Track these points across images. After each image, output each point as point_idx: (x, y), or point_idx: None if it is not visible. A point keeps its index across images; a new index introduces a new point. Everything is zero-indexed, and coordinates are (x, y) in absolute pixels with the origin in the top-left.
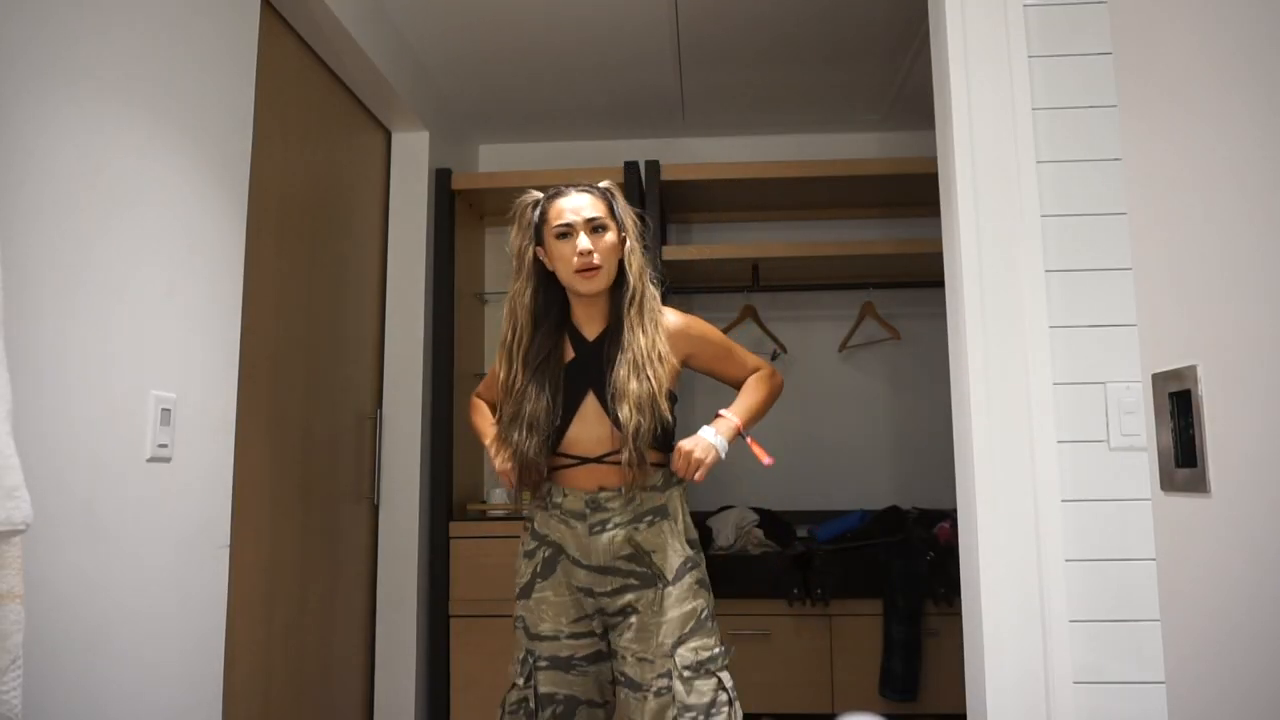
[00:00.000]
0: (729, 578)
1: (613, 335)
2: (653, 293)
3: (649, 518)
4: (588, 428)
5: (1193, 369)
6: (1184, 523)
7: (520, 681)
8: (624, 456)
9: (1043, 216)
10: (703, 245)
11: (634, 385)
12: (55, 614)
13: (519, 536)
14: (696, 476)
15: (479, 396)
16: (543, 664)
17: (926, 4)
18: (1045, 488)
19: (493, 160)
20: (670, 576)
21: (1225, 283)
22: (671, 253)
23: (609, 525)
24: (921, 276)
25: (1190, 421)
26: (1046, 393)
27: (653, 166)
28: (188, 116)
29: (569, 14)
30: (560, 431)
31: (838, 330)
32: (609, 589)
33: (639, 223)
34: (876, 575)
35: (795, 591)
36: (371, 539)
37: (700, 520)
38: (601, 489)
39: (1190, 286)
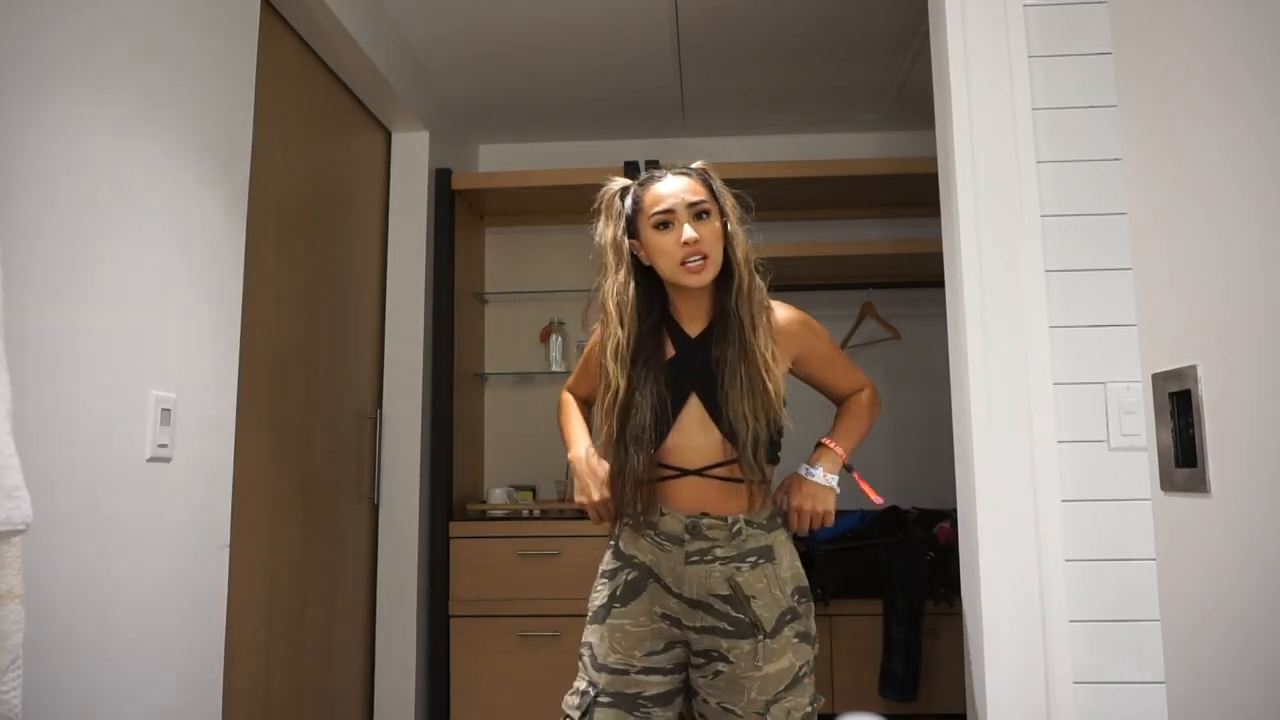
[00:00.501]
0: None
1: (719, 331)
2: (760, 283)
3: (752, 559)
4: (690, 435)
5: (1193, 369)
6: (1184, 523)
7: (575, 715)
8: (743, 472)
9: (1043, 216)
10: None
11: (750, 389)
12: (55, 614)
13: (519, 537)
14: (826, 522)
15: (570, 391)
16: (605, 699)
17: (926, 4)
18: (1045, 488)
19: (493, 160)
20: (769, 628)
21: (1225, 283)
22: None
23: (708, 558)
24: (921, 276)
25: (1190, 421)
26: (1046, 393)
27: (653, 166)
28: (188, 117)
29: (569, 14)
30: (660, 439)
31: (838, 330)
32: (697, 625)
33: (738, 205)
34: (876, 575)
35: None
36: (371, 539)
37: None
38: (704, 514)
39: (1190, 286)
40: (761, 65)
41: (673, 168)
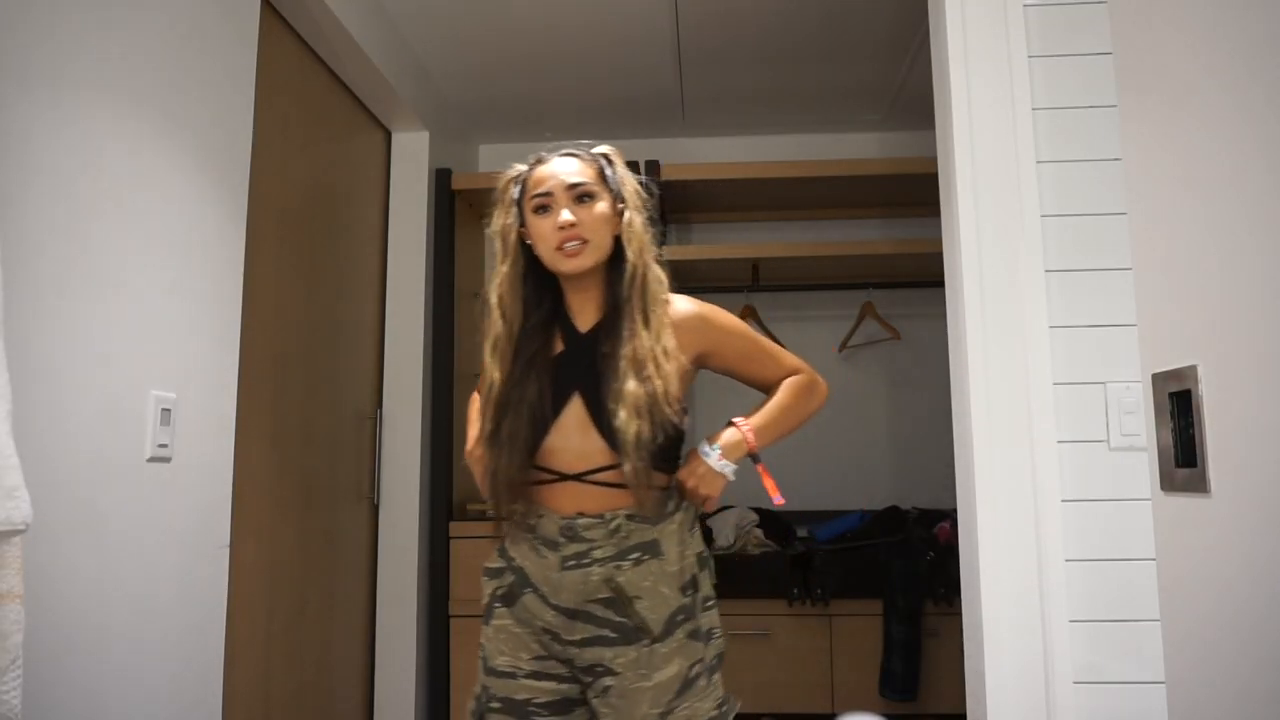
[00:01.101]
0: (729, 578)
1: (609, 326)
2: (657, 274)
3: (635, 554)
4: (569, 438)
5: (1193, 369)
6: (1184, 523)
7: None
8: (626, 472)
9: (1043, 216)
10: (703, 245)
11: (632, 386)
12: (55, 614)
13: None
14: (706, 507)
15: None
16: (495, 705)
17: (926, 4)
18: (1045, 488)
19: (493, 160)
20: (657, 631)
21: (1225, 283)
22: (671, 253)
23: (585, 560)
24: (921, 276)
25: (1190, 421)
26: (1046, 393)
27: (653, 166)
28: (188, 116)
29: (569, 14)
30: (536, 442)
31: (838, 330)
32: (578, 638)
33: (642, 192)
34: (876, 575)
35: (795, 591)
36: (371, 539)
37: (700, 520)
38: (580, 514)
39: (1190, 286)
40: (761, 66)
41: (563, 148)
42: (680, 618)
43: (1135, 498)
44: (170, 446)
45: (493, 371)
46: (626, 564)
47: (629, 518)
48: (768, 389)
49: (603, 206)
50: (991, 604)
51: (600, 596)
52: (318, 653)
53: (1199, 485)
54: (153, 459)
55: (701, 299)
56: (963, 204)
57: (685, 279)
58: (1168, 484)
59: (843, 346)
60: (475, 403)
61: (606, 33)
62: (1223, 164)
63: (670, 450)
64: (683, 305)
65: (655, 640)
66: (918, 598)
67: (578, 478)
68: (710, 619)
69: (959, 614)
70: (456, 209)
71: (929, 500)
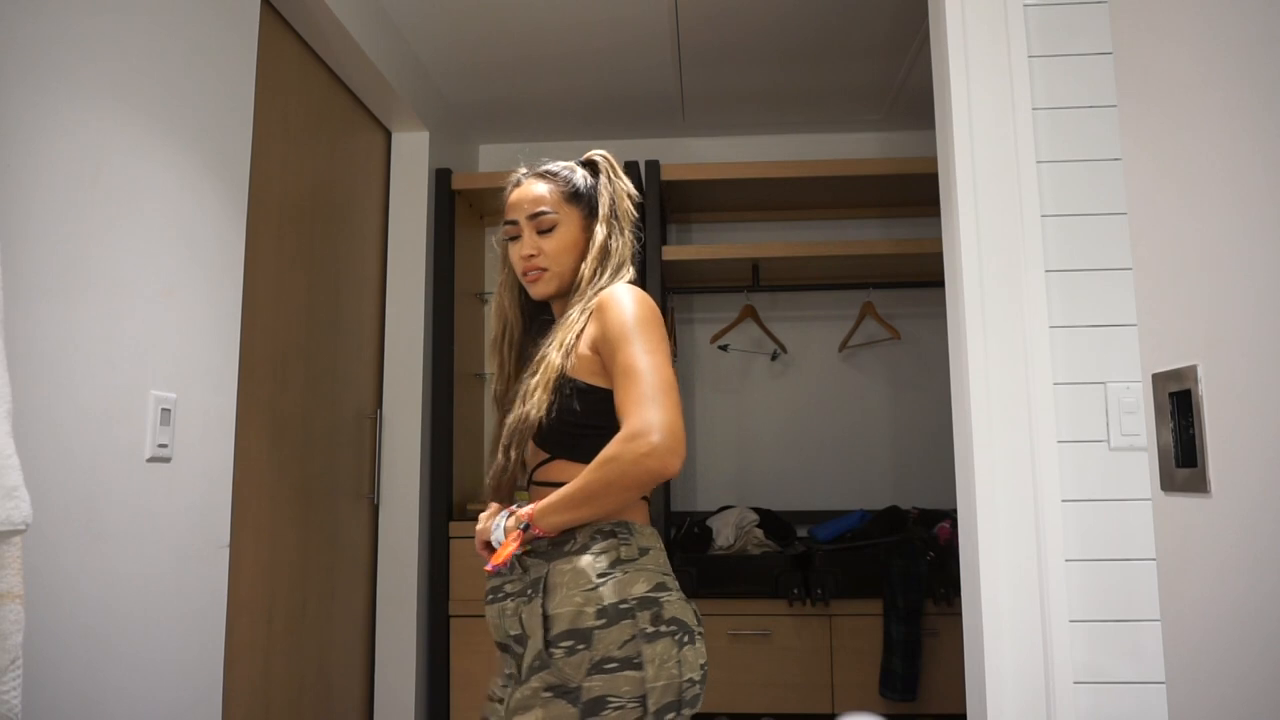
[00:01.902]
0: (729, 578)
1: None
2: (606, 279)
3: (528, 591)
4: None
5: (1193, 369)
6: (1184, 523)
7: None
8: (497, 460)
9: (1043, 216)
10: (703, 245)
11: (531, 380)
12: (55, 614)
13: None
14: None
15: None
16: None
17: (926, 4)
18: (1045, 488)
19: (493, 160)
20: (523, 672)
21: (1225, 283)
22: (671, 253)
23: (500, 595)
24: (921, 276)
25: (1190, 421)
26: (1046, 393)
27: (653, 166)
28: (188, 116)
29: (569, 14)
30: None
31: (838, 330)
32: (507, 672)
33: (625, 200)
34: (876, 575)
35: (795, 591)
36: (371, 539)
37: (700, 520)
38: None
39: (1190, 286)
40: (761, 65)
41: (544, 164)
42: (537, 664)
43: (1135, 498)
44: (170, 446)
45: (492, 369)
46: (523, 600)
47: (530, 551)
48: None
49: (564, 232)
50: (991, 604)
51: (513, 632)
52: (318, 653)
53: (1199, 485)
54: (153, 459)
55: (701, 299)
56: (963, 204)
57: (685, 279)
58: (1168, 484)
59: (843, 346)
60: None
61: (607, 33)
62: (1223, 164)
63: (554, 440)
64: (601, 294)
65: (520, 682)
66: (918, 598)
67: (529, 483)
68: (609, 685)
69: (959, 614)
70: (456, 209)
71: (929, 500)
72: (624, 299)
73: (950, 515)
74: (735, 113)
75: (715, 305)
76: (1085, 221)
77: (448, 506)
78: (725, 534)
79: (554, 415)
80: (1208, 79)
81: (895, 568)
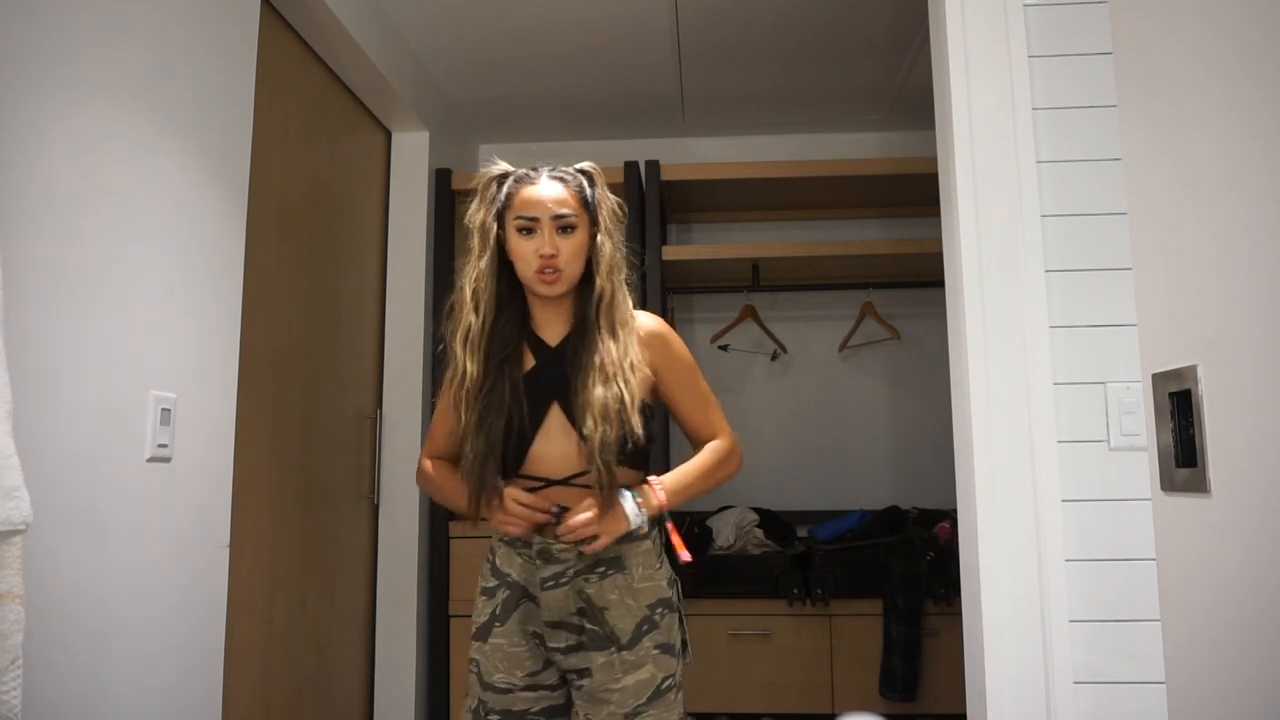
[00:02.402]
0: (729, 578)
1: (577, 340)
2: (624, 294)
3: (600, 569)
4: (554, 444)
5: (1193, 369)
6: (1184, 523)
7: None
8: (591, 476)
9: (1043, 216)
10: (703, 245)
11: (599, 393)
12: (55, 614)
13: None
14: (582, 546)
15: (433, 458)
16: (495, 717)
17: (926, 4)
18: (1045, 488)
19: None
20: (625, 639)
21: (1225, 283)
22: (671, 253)
23: (563, 580)
24: (921, 276)
25: (1190, 421)
26: (1046, 393)
27: (653, 166)
28: (188, 116)
29: (569, 14)
30: (523, 451)
31: (838, 330)
32: (561, 645)
33: (617, 212)
34: (876, 575)
35: (795, 591)
36: (371, 539)
37: (700, 520)
38: (550, 541)
39: (1190, 286)
40: (761, 65)
41: (552, 169)
42: (645, 628)
43: (1135, 498)
44: (170, 446)
45: (466, 362)
46: (594, 577)
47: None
48: (695, 438)
49: (580, 236)
50: (991, 604)
51: (574, 608)
52: (318, 653)
53: (1199, 485)
54: (152, 459)
55: (701, 299)
56: (963, 204)
57: (685, 279)
58: (1168, 484)
59: (843, 346)
60: (439, 466)
61: (606, 33)
62: (1223, 164)
63: (639, 456)
64: (646, 320)
65: (623, 648)
66: (918, 598)
67: (563, 482)
68: (677, 637)
69: (959, 614)
70: (456, 209)
71: (929, 500)
72: (674, 333)
73: (950, 515)
74: (735, 113)
75: (715, 305)
76: (1085, 221)
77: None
78: (725, 534)
79: (645, 433)
80: (1208, 78)
81: (895, 568)
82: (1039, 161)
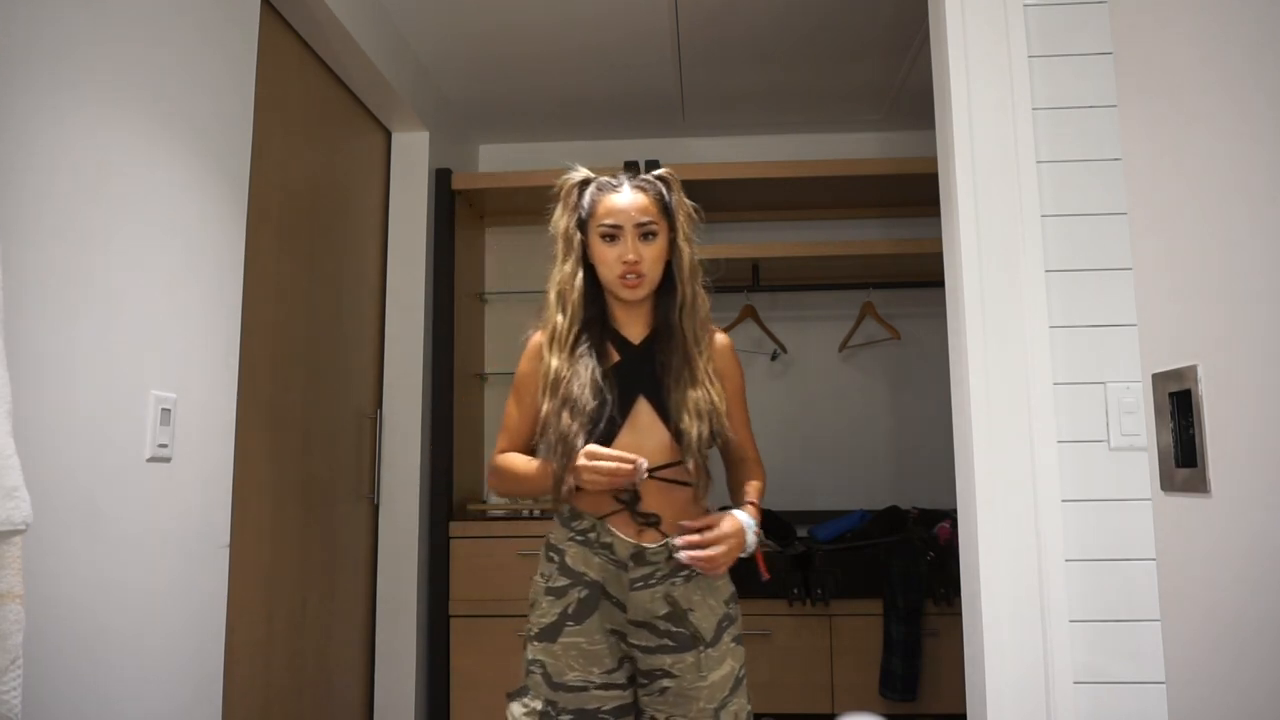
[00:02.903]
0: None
1: (663, 340)
2: (704, 298)
3: (685, 573)
4: (641, 436)
5: (1193, 369)
6: (1184, 523)
7: None
8: (690, 468)
9: (1043, 216)
10: (703, 245)
11: (692, 393)
12: (55, 614)
13: (519, 537)
14: (703, 568)
15: (507, 451)
16: (567, 718)
17: (926, 4)
18: (1045, 488)
19: (493, 160)
20: (709, 637)
21: (1225, 283)
22: None
23: (652, 581)
24: (921, 276)
25: (1190, 421)
26: (1046, 393)
27: (653, 166)
28: (188, 117)
29: (569, 14)
30: (609, 441)
31: (838, 330)
32: (642, 644)
33: (694, 216)
34: (876, 575)
35: (795, 591)
36: (371, 539)
37: None
38: (645, 544)
39: (1190, 286)
40: (761, 65)
41: (632, 178)
42: (725, 624)
43: (1135, 498)
44: (170, 446)
45: (551, 359)
46: (679, 580)
47: (653, 545)
48: (732, 453)
49: (660, 242)
50: (991, 604)
51: (661, 612)
52: (318, 653)
53: (1199, 485)
54: (153, 459)
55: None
56: (963, 204)
57: None
58: (1168, 484)
59: (843, 346)
60: (512, 456)
61: (607, 32)
62: (1223, 164)
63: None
64: (719, 335)
65: (708, 645)
66: (918, 598)
67: (648, 474)
68: (741, 627)
69: (959, 614)
70: (456, 209)
71: (929, 500)
72: (733, 349)
73: (950, 515)
74: (735, 113)
75: (715, 305)
76: (1085, 221)
77: (448, 506)
78: None
79: (716, 439)
80: (1208, 78)
81: (895, 568)
82: (1039, 161)
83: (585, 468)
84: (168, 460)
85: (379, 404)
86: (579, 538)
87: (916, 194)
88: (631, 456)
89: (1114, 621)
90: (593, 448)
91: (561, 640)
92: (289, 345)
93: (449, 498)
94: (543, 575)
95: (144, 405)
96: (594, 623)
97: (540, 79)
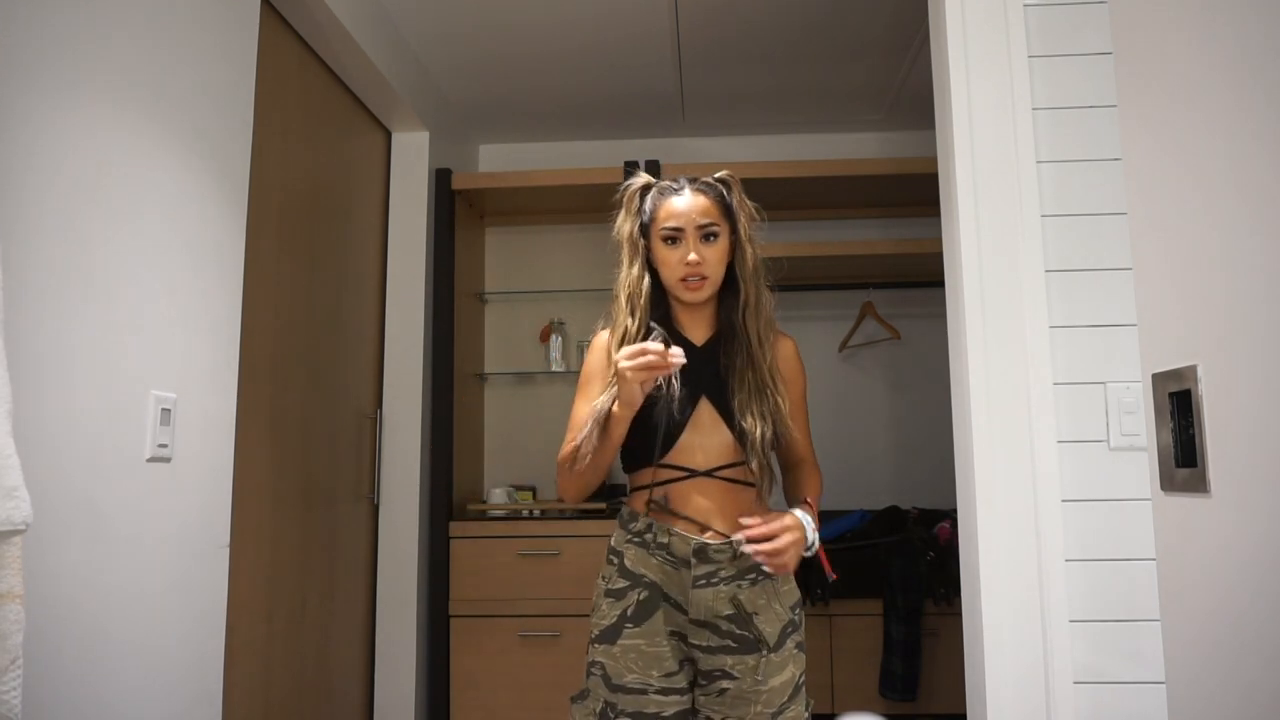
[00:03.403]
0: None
1: (726, 342)
2: (768, 298)
3: (751, 576)
4: (704, 436)
5: (1193, 369)
6: (1184, 523)
7: None
8: (753, 468)
9: (1043, 216)
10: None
11: (758, 394)
12: (55, 614)
13: (519, 537)
14: (770, 563)
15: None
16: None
17: (926, 4)
18: (1045, 488)
19: (493, 160)
20: (773, 642)
21: (1225, 283)
22: None
23: (714, 580)
24: (921, 276)
25: (1190, 421)
26: (1046, 393)
27: (653, 166)
28: (188, 117)
29: (569, 14)
30: (671, 439)
31: (838, 330)
32: (703, 644)
33: (755, 217)
34: (876, 575)
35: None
36: (371, 539)
37: None
38: (707, 542)
39: (1190, 286)
40: (761, 65)
41: (695, 180)
42: (789, 630)
43: (1135, 498)
44: (170, 446)
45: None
46: (745, 583)
47: (749, 540)
48: (791, 454)
49: (722, 243)
50: (991, 604)
51: (725, 613)
52: (318, 653)
53: (1199, 485)
54: (153, 459)
55: None
56: (963, 204)
57: None
58: (1168, 484)
59: (843, 346)
60: (580, 410)
61: (607, 32)
62: (1224, 163)
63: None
64: (785, 340)
65: (771, 650)
66: (918, 598)
67: (708, 474)
68: (804, 634)
69: (959, 614)
70: (456, 209)
71: (929, 500)
72: (798, 352)
73: (950, 515)
74: (735, 113)
75: None
76: (1085, 221)
77: (448, 506)
78: None
79: (779, 443)
80: (1209, 78)
81: (895, 568)
82: (1039, 161)
83: (624, 368)
84: (168, 460)
85: (379, 404)
86: (636, 539)
87: (916, 194)
88: (658, 347)
89: (1114, 621)
90: (626, 348)
91: (621, 642)
92: (289, 345)
93: (449, 498)
94: (603, 578)
95: (144, 405)
96: (654, 624)
97: (540, 79)
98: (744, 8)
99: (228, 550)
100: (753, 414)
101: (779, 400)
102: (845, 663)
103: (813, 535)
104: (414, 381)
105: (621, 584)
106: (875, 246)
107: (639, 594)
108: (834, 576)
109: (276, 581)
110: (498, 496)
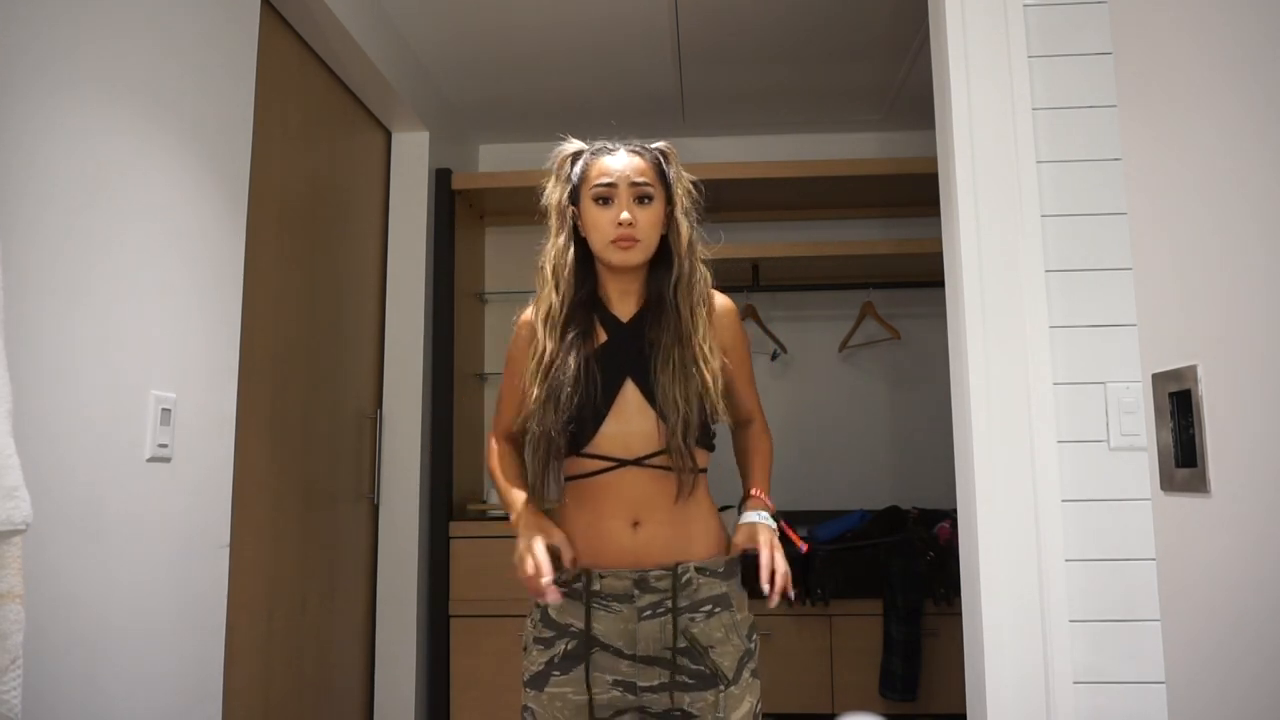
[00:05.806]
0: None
1: (654, 317)
2: (703, 272)
3: (707, 608)
4: (628, 423)
5: (1193, 369)
6: (1184, 523)
7: None
8: (670, 459)
9: (1043, 216)
10: (703, 245)
11: (681, 374)
12: (55, 614)
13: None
14: (782, 582)
15: (500, 435)
16: None
17: (926, 4)
18: (1045, 488)
19: (493, 160)
20: (731, 675)
21: (1225, 283)
22: None
23: (660, 610)
24: (921, 276)
25: (1190, 421)
26: (1046, 393)
27: None
28: (188, 117)
29: (569, 14)
30: (594, 427)
31: (838, 330)
32: (654, 684)
33: (693, 191)
34: (876, 575)
35: (795, 591)
36: (371, 539)
37: None
38: (651, 568)
39: (1190, 286)
40: (761, 65)
41: (628, 144)
42: (745, 659)
43: (1135, 498)
44: (170, 446)
45: (545, 340)
46: (699, 615)
47: (700, 570)
48: (739, 416)
49: (656, 208)
50: (991, 604)
51: (678, 645)
52: (318, 653)
53: (1199, 485)
54: (153, 459)
55: None
56: (963, 204)
57: None
58: (1168, 484)
59: (843, 346)
60: (503, 455)
61: (606, 33)
62: (1224, 163)
63: (707, 436)
64: (720, 299)
65: (729, 684)
66: (918, 598)
67: (637, 462)
68: (758, 657)
69: (959, 614)
70: (456, 209)
71: (929, 500)
72: (736, 312)
73: (950, 515)
74: (735, 113)
75: None
76: (1085, 221)
77: (448, 506)
78: None
79: (710, 422)
80: (1208, 78)
81: (895, 568)
82: (1039, 161)
83: (516, 560)
84: (168, 460)
85: (379, 404)
86: (564, 590)
87: (916, 194)
88: (545, 569)
89: (1114, 621)
90: (537, 547)
91: (549, 690)
92: (289, 345)
93: (449, 498)
94: (531, 621)
95: (144, 405)
96: (580, 673)
97: (540, 79)
98: (744, 8)
99: (228, 550)
100: (674, 397)
101: (708, 379)
102: (845, 663)
103: (772, 523)
104: (414, 381)
105: (549, 633)
106: (875, 246)
107: (566, 643)
108: (805, 548)
109: (276, 581)
110: (498, 496)
